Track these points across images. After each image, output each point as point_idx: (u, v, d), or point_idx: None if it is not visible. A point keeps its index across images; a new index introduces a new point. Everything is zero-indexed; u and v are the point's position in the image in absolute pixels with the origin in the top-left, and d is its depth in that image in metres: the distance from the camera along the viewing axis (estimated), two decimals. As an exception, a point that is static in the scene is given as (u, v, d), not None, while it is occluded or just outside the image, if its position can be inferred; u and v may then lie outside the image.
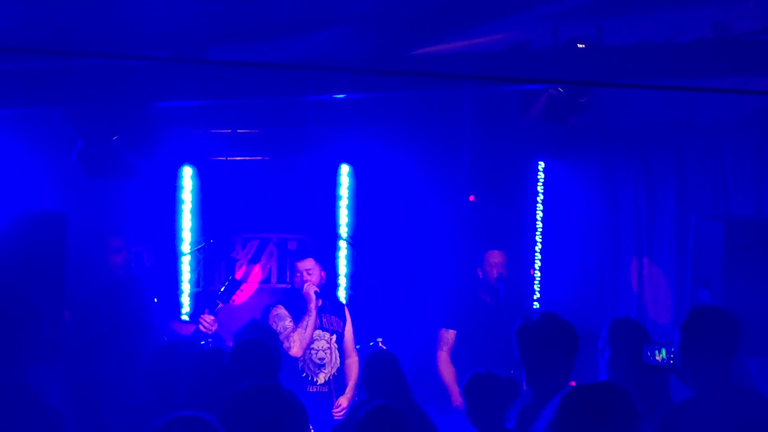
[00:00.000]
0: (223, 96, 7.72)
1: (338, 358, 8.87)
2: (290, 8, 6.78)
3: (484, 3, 6.92)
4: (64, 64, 7.31)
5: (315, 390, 8.70)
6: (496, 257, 9.44)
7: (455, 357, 9.25)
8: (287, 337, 8.70)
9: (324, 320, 8.89)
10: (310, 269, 8.90)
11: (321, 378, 8.73)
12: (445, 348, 9.28)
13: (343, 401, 8.70)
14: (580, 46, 7.32)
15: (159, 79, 7.34)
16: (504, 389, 5.85)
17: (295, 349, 8.66)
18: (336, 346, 8.86)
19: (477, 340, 9.19)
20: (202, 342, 8.96)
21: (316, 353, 8.75)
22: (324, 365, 8.74)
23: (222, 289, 8.90)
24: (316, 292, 8.76)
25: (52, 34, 6.69)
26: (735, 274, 7.62)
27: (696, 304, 8.08)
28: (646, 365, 5.79)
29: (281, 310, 8.93)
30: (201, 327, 8.64)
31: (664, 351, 5.75)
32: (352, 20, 7.24)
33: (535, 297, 11.48)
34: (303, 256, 9.06)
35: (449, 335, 9.30)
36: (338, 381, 8.79)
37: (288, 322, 8.79)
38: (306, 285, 8.83)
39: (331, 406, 8.55)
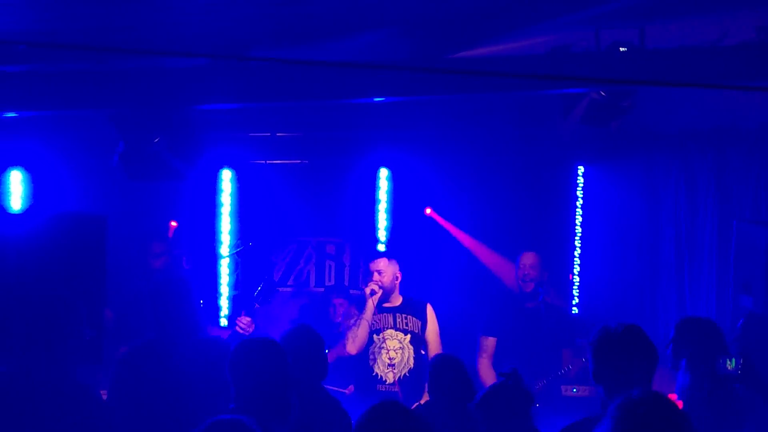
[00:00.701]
0: (264, 99, 7.72)
1: (411, 358, 8.81)
2: (331, 11, 6.77)
3: (526, 6, 6.89)
4: (108, 67, 7.34)
5: (384, 389, 8.66)
6: (528, 258, 9.38)
7: (496, 364, 9.19)
8: (344, 336, 8.73)
9: (399, 320, 8.83)
10: (381, 270, 8.85)
11: (390, 378, 8.68)
12: (485, 355, 9.23)
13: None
14: (622, 49, 7.27)
15: (200, 82, 7.35)
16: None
17: (349, 347, 8.65)
18: (410, 346, 8.80)
19: (518, 346, 9.14)
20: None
21: (387, 353, 8.71)
22: (394, 365, 8.70)
23: (259, 291, 8.88)
24: (372, 292, 8.73)
25: (96, 35, 6.70)
26: (778, 281, 7.58)
27: (738, 309, 8.04)
28: (718, 375, 5.78)
29: (353, 311, 8.94)
30: (238, 329, 8.62)
31: (733, 361, 5.77)
32: (394, 23, 7.22)
33: (574, 302, 11.44)
34: (375, 257, 8.96)
35: (489, 342, 9.25)
36: (410, 381, 8.73)
37: (353, 321, 8.79)
38: (367, 286, 8.79)
39: None
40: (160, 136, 7.52)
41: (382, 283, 8.75)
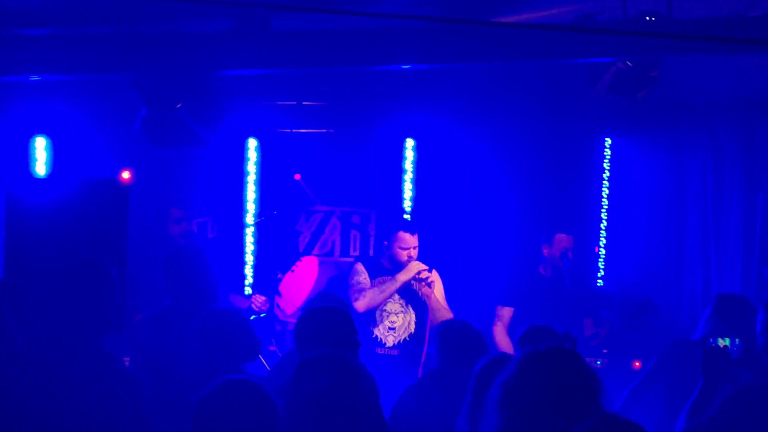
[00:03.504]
0: (288, 65, 7.67)
1: (413, 323, 8.81)
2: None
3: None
4: (131, 30, 7.33)
5: (383, 352, 8.68)
6: (564, 241, 9.37)
7: (512, 333, 9.18)
8: (360, 290, 8.69)
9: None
10: (416, 246, 8.83)
11: (390, 341, 8.70)
12: (500, 323, 9.23)
13: None
14: (649, 18, 7.19)
15: (223, 47, 7.32)
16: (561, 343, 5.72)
17: (359, 304, 8.62)
18: (412, 311, 8.80)
19: (536, 316, 9.11)
20: (255, 316, 8.99)
21: (388, 316, 8.73)
22: (395, 329, 8.71)
23: (283, 261, 8.89)
24: (428, 281, 8.68)
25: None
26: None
27: (763, 282, 7.99)
28: (711, 358, 5.61)
29: (359, 267, 8.90)
30: (253, 307, 8.65)
31: (727, 341, 5.62)
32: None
33: (599, 275, 11.39)
34: (406, 231, 8.90)
35: (506, 312, 9.25)
36: (409, 346, 8.73)
37: (363, 278, 8.76)
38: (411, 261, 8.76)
39: (398, 369, 8.48)
40: (182, 102, 7.49)
41: (414, 258, 8.75)
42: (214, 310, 6.30)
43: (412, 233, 8.80)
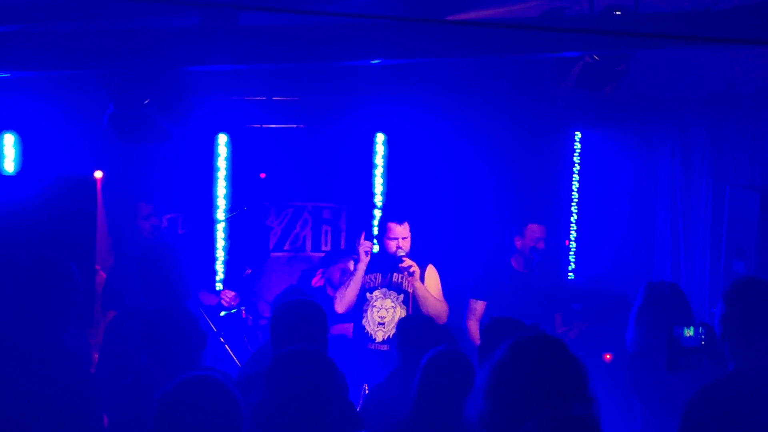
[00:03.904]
0: (256, 61, 7.66)
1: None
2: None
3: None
4: (98, 26, 7.31)
5: (373, 347, 8.69)
6: (536, 231, 9.37)
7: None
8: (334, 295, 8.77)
9: (395, 279, 8.83)
10: (406, 236, 8.84)
11: (379, 336, 8.69)
12: (473, 318, 9.24)
13: None
14: (616, 13, 7.22)
15: (191, 43, 7.31)
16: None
17: (336, 306, 8.66)
18: (403, 306, 8.80)
19: (508, 310, 9.13)
20: (226, 313, 9.00)
21: (378, 311, 8.73)
22: (384, 324, 8.70)
23: (253, 256, 8.90)
24: (366, 252, 8.73)
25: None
26: (770, 245, 7.58)
27: (730, 274, 8.03)
28: (675, 347, 5.65)
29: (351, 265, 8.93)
30: (223, 302, 8.65)
31: (692, 330, 5.64)
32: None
33: (570, 268, 11.45)
34: (392, 222, 8.90)
35: (479, 305, 9.26)
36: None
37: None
38: (360, 246, 8.79)
39: (388, 365, 8.47)
40: (150, 98, 7.48)
41: (405, 248, 8.74)
42: (155, 310, 6.27)
43: (400, 223, 8.81)
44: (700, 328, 5.61)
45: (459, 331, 9.11)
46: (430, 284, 8.81)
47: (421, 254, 8.90)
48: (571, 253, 11.49)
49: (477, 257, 10.31)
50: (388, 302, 8.77)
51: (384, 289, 8.78)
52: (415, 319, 7.05)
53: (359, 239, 8.73)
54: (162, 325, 5.92)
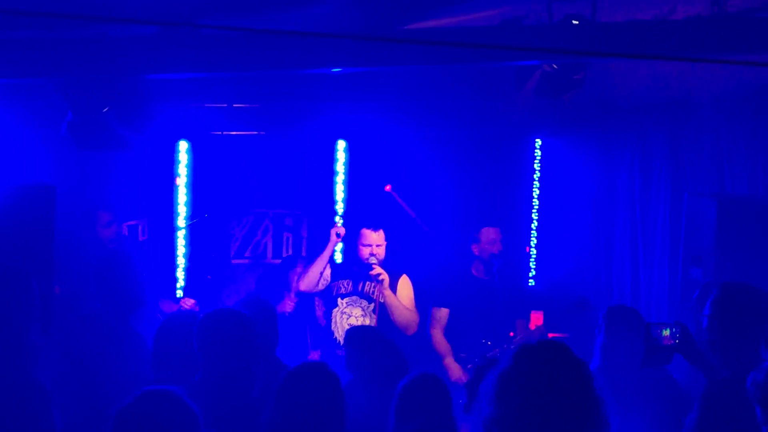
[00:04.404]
0: (215, 69, 7.67)
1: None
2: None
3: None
4: (56, 35, 7.28)
5: (342, 354, 8.70)
6: (491, 234, 9.39)
7: (448, 334, 9.22)
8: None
9: (365, 287, 8.85)
10: (380, 243, 8.86)
11: None
12: (437, 326, 9.25)
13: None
14: (574, 22, 7.26)
15: (150, 51, 7.30)
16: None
17: (299, 284, 8.75)
18: (373, 315, 8.80)
19: (470, 317, 9.17)
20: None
21: (348, 318, 8.74)
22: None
23: (214, 263, 8.90)
24: (337, 234, 8.78)
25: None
26: (727, 252, 7.62)
27: (688, 281, 8.09)
28: (652, 345, 5.77)
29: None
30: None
31: (668, 330, 5.76)
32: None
33: (530, 274, 11.49)
34: (367, 228, 8.95)
35: (441, 313, 9.27)
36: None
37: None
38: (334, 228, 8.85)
39: None
40: (109, 106, 7.47)
41: (378, 256, 8.76)
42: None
43: (375, 230, 8.84)
44: (674, 328, 5.74)
45: (423, 339, 9.14)
46: (402, 294, 8.84)
47: (396, 263, 8.94)
48: (531, 259, 11.53)
49: (439, 265, 10.33)
50: (358, 311, 8.80)
51: (355, 297, 8.82)
52: (361, 331, 7.06)
53: (368, 248, 8.77)
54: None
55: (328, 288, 8.89)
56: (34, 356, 5.39)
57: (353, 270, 8.88)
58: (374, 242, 8.79)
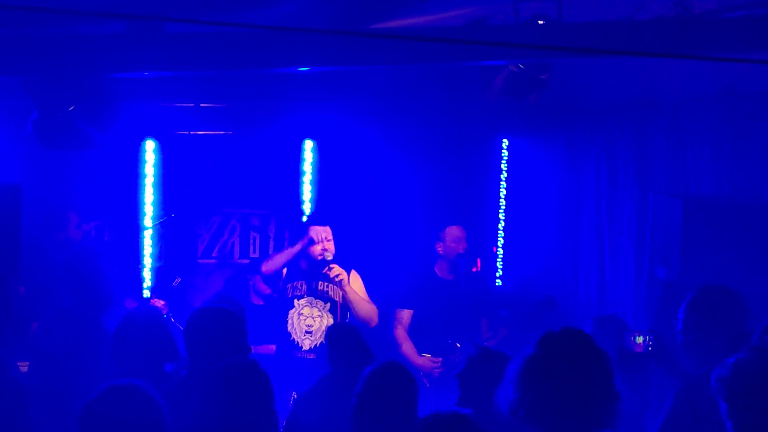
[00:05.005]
0: (182, 68, 7.65)
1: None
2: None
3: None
4: (21, 32, 7.24)
5: (300, 356, 8.69)
6: (456, 232, 9.39)
7: (413, 335, 9.21)
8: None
9: (320, 287, 8.85)
10: (330, 238, 8.88)
11: (306, 345, 8.70)
12: (400, 327, 9.23)
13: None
14: (540, 22, 7.29)
15: (117, 50, 7.27)
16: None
17: (264, 265, 8.81)
18: (329, 315, 8.81)
19: (434, 317, 9.17)
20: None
21: (305, 320, 8.74)
22: (311, 332, 8.72)
23: (182, 264, 8.88)
24: (317, 237, 8.79)
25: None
26: (693, 252, 7.67)
27: (654, 281, 8.14)
28: (626, 352, 5.81)
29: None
30: None
31: (642, 337, 5.81)
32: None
33: (497, 274, 11.51)
34: (313, 225, 8.97)
35: (405, 314, 9.25)
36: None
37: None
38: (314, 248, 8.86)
39: (315, 373, 8.46)
40: (75, 105, 7.43)
41: (330, 251, 8.78)
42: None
43: (323, 225, 8.85)
44: (648, 335, 5.79)
45: (386, 339, 9.14)
46: (356, 288, 8.85)
47: (343, 260, 8.94)
48: (498, 259, 11.55)
49: (403, 265, 10.33)
50: (315, 311, 8.80)
51: (310, 298, 8.81)
52: (343, 327, 7.08)
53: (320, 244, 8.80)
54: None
55: (284, 289, 8.89)
56: (9, 355, 5.38)
57: (305, 271, 8.89)
58: (324, 238, 8.81)
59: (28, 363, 7.12)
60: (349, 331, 6.77)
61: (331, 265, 8.72)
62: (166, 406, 4.05)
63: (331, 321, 8.71)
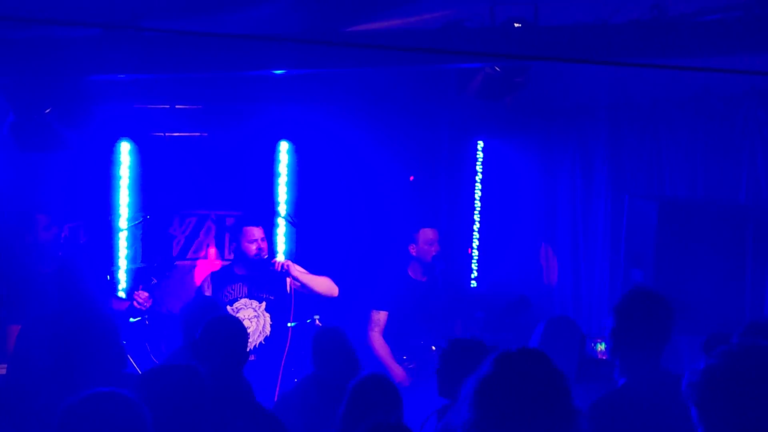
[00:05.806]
0: (158, 70, 7.66)
1: (268, 325, 8.82)
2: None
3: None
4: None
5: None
6: (429, 234, 9.41)
7: (389, 337, 9.22)
8: None
9: (254, 288, 8.87)
10: (264, 238, 8.90)
11: None
12: (376, 329, 9.24)
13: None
14: (516, 25, 7.31)
15: (93, 52, 7.26)
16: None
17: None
18: (266, 314, 8.82)
19: (409, 319, 9.18)
20: (138, 318, 8.94)
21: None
22: (249, 334, 8.71)
23: (157, 265, 8.86)
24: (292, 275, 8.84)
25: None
26: (667, 254, 7.71)
27: (629, 283, 8.16)
28: (588, 359, 5.80)
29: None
30: (135, 304, 8.61)
31: (603, 344, 5.78)
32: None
33: (472, 275, 11.52)
34: (248, 225, 9.00)
35: (380, 316, 9.26)
36: (266, 349, 8.76)
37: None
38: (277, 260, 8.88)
39: (257, 374, 8.45)
40: (51, 107, 7.42)
41: (265, 250, 8.81)
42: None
43: (256, 225, 8.87)
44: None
45: (361, 341, 9.14)
46: (298, 272, 8.91)
47: (319, 262, 8.97)
48: (473, 261, 11.57)
49: (378, 267, 10.33)
50: (250, 312, 8.81)
51: (244, 300, 8.83)
52: (329, 331, 7.09)
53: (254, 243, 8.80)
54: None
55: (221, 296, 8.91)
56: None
57: (240, 273, 8.92)
58: (259, 236, 8.84)
59: (5, 366, 7.10)
60: (335, 335, 6.79)
61: (272, 260, 8.78)
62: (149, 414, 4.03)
63: (269, 320, 8.75)
